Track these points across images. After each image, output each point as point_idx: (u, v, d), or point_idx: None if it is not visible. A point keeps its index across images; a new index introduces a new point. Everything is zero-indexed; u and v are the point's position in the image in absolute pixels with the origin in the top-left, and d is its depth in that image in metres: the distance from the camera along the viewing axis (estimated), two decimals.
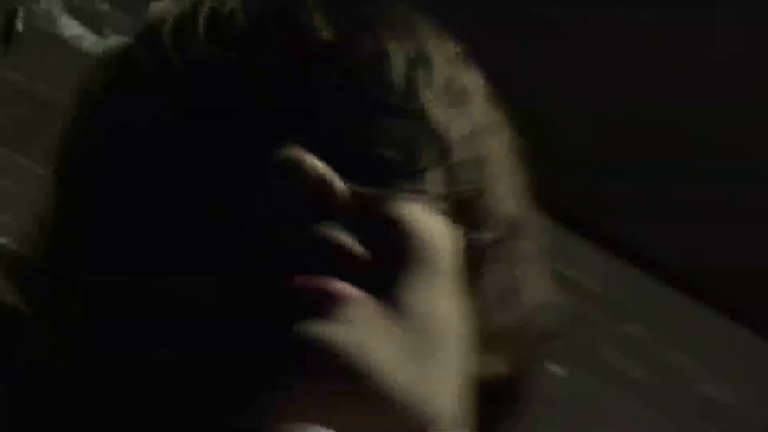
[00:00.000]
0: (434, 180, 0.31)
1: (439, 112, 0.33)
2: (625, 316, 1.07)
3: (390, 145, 0.30)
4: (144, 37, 0.35)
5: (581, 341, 0.92)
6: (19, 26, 0.83)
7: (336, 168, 0.27)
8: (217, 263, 0.26)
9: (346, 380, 0.24)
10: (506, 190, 0.34)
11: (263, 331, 0.24)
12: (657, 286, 1.18)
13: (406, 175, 0.30)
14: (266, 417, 0.24)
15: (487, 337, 0.31)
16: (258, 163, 0.27)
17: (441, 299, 0.28)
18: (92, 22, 0.89)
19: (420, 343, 0.27)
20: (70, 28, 0.88)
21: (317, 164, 0.27)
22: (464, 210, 0.32)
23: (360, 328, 0.25)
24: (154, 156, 0.30)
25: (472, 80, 0.36)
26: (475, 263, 0.31)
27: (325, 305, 0.24)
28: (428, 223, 0.29)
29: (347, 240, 0.27)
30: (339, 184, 0.27)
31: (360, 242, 0.27)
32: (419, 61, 0.33)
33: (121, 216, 0.30)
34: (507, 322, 0.33)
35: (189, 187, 0.28)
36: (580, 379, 0.90)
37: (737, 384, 1.12)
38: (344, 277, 0.25)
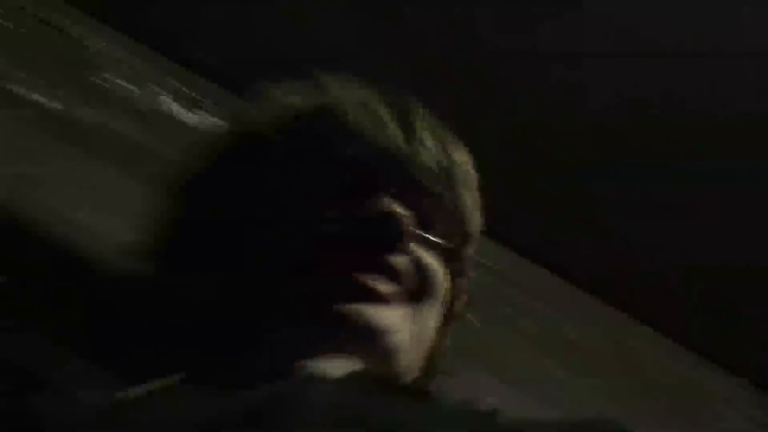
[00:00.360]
0: (454, 248, 0.53)
1: (465, 202, 0.55)
2: (524, 290, 1.35)
3: (439, 220, 0.51)
4: (273, 120, 0.53)
5: (492, 306, 1.18)
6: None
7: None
8: (325, 259, 0.43)
9: (378, 343, 0.42)
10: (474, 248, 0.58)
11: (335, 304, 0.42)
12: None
13: (447, 245, 0.51)
14: (319, 353, 0.41)
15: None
16: (363, 204, 0.45)
17: (433, 318, 0.50)
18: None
19: (418, 339, 0.48)
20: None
21: (409, 217, 0.45)
22: (458, 267, 0.55)
23: (391, 318, 0.44)
24: (291, 188, 0.49)
25: (467, 164, 0.57)
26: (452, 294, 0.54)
27: (375, 297, 0.43)
28: (443, 275, 0.50)
29: (405, 265, 0.46)
30: (414, 231, 0.46)
31: (410, 270, 0.46)
32: (449, 159, 0.53)
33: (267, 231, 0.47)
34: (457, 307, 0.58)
35: (321, 207, 0.46)
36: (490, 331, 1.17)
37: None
38: (393, 283, 0.44)
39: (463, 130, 0.60)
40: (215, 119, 1.07)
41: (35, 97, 0.92)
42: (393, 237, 0.45)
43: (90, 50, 1.04)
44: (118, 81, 1.04)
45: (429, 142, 0.53)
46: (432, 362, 0.54)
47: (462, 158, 0.56)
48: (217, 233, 0.51)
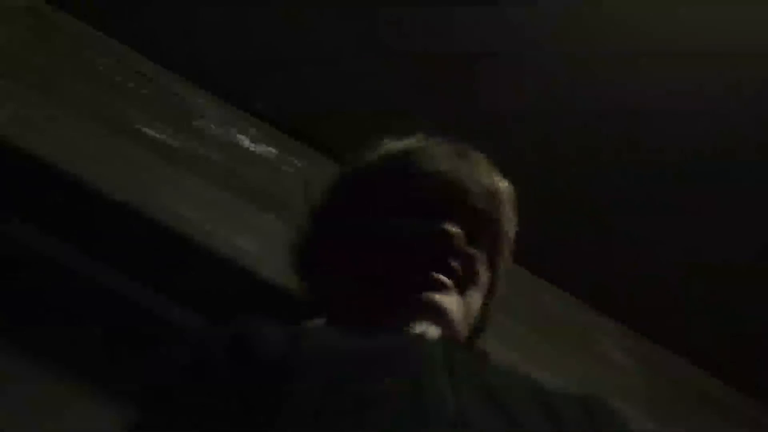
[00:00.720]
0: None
1: (505, 220, 0.78)
2: None
3: (484, 233, 0.74)
4: (371, 162, 0.79)
5: None
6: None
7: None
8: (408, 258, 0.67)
9: (444, 317, 0.64)
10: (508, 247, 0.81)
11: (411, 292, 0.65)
12: None
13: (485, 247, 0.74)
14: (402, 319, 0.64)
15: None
16: (435, 223, 0.68)
17: (476, 301, 0.72)
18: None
19: (466, 314, 0.69)
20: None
21: (460, 234, 0.69)
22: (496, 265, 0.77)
23: (451, 301, 0.66)
24: (385, 211, 0.72)
25: (507, 189, 0.79)
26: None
27: (439, 287, 0.65)
28: (484, 272, 0.73)
29: (458, 266, 0.68)
30: (462, 245, 0.69)
31: (460, 269, 0.69)
32: (494, 185, 0.76)
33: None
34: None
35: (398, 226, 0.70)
36: None
37: None
38: (450, 278, 0.67)
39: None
40: (274, 149, 1.45)
41: (152, 132, 1.27)
42: (449, 249, 0.70)
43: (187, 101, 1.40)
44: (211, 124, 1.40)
45: (481, 172, 0.78)
46: (476, 330, 0.77)
47: (503, 185, 0.80)
48: (339, 245, 0.78)
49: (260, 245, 1.22)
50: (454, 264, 0.71)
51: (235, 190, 1.33)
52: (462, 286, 0.72)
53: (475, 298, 0.75)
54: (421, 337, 0.66)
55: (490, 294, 0.80)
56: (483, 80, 1.58)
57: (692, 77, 1.54)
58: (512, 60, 1.54)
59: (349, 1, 1.54)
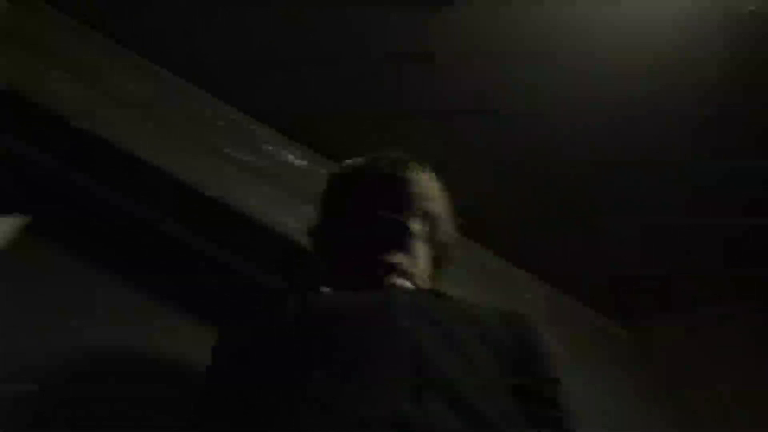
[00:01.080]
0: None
1: (442, 210, 1.27)
2: None
3: (432, 219, 1.23)
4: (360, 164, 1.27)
5: None
6: None
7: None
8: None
9: (414, 277, 1.14)
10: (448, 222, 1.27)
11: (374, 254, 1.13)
12: None
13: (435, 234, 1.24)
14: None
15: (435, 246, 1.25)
16: (400, 215, 1.17)
17: (425, 257, 1.21)
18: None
19: (418, 268, 1.17)
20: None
21: (415, 221, 1.19)
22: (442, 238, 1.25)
23: (403, 259, 1.13)
24: (364, 204, 1.19)
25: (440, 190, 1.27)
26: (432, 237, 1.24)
27: (394, 253, 1.12)
28: (425, 236, 1.21)
29: (419, 227, 1.18)
30: (417, 231, 1.19)
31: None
32: (434, 189, 1.25)
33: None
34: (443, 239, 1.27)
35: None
36: None
37: None
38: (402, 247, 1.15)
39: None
40: (306, 161, 1.92)
41: (230, 152, 1.77)
42: (406, 235, 1.13)
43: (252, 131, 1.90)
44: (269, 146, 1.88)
45: (422, 180, 1.22)
46: (433, 276, 1.23)
47: (432, 180, 1.26)
48: (330, 235, 1.26)
49: (300, 225, 1.55)
50: (404, 238, 1.14)
51: (281, 187, 1.75)
52: (410, 250, 1.14)
53: (422, 255, 1.19)
54: (393, 286, 1.08)
55: (437, 254, 1.25)
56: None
57: None
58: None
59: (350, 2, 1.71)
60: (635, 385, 2.09)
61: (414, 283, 1.13)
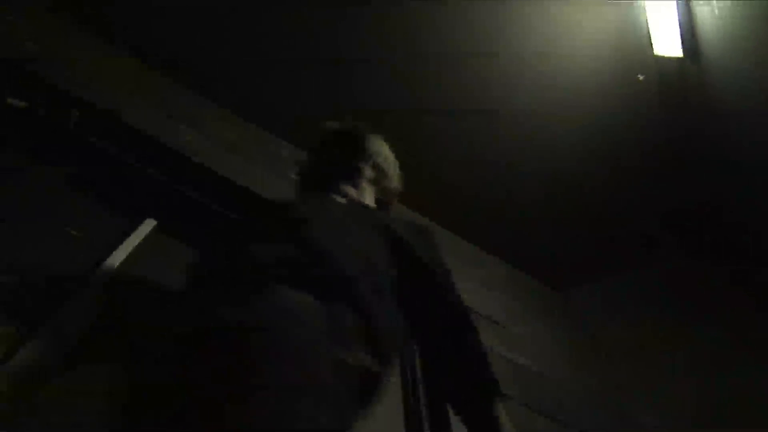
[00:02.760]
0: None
1: (390, 167, 1.78)
2: None
3: (371, 164, 1.72)
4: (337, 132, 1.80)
5: None
6: None
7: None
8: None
9: (346, 194, 1.58)
10: (393, 176, 1.78)
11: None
12: None
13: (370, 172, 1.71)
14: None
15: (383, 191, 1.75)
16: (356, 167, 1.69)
17: (368, 192, 1.68)
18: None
19: (360, 196, 1.63)
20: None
21: (369, 170, 1.70)
22: (387, 182, 1.74)
23: (351, 190, 1.61)
24: (326, 164, 1.69)
25: (390, 152, 1.80)
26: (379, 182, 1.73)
27: (353, 180, 1.65)
28: (371, 179, 1.70)
29: (369, 171, 1.69)
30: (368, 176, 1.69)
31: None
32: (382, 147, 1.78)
33: None
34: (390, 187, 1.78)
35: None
36: None
37: None
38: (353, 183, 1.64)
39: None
40: None
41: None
42: (356, 174, 1.61)
43: (277, 148, 2.50)
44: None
45: (376, 142, 1.73)
46: (378, 203, 1.67)
47: (387, 149, 1.75)
48: (307, 169, 1.74)
49: None
50: (355, 175, 1.52)
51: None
52: (358, 186, 1.51)
53: (368, 193, 1.57)
54: (338, 199, 1.44)
55: (381, 197, 1.61)
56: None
57: None
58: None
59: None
60: (561, 327, 2.84)
61: (353, 200, 1.50)
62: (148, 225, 2.02)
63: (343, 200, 1.47)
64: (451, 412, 1.48)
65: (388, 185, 1.69)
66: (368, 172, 1.64)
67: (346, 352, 0.93)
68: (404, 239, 1.28)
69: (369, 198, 1.63)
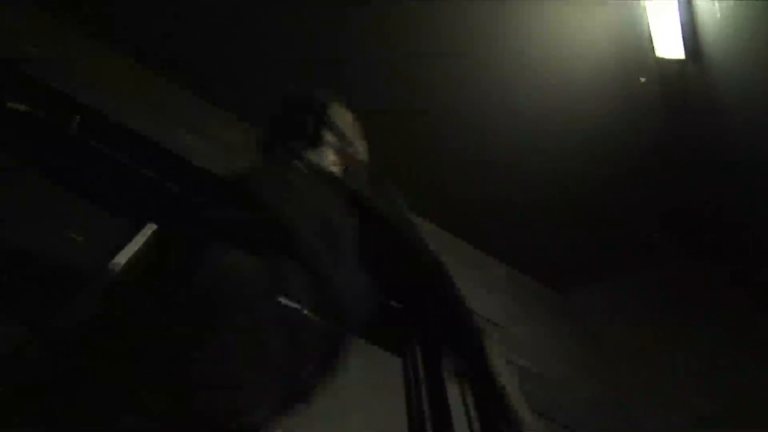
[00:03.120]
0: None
1: (345, 127, 1.73)
2: None
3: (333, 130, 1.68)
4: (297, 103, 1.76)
5: None
6: None
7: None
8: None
9: (318, 162, 1.58)
10: (360, 146, 1.75)
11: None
12: None
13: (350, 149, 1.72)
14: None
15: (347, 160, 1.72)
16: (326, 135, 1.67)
17: (334, 159, 1.65)
18: None
19: (331, 165, 1.62)
20: None
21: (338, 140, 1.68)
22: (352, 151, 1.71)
23: (325, 159, 1.61)
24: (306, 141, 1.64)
25: (354, 121, 1.78)
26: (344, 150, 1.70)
27: (315, 145, 1.63)
28: (340, 150, 1.68)
29: (339, 138, 1.68)
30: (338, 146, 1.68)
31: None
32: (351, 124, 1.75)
33: None
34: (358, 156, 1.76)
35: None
36: None
37: None
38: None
39: None
40: None
41: None
42: (317, 138, 1.59)
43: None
44: None
45: (340, 110, 1.69)
46: (346, 172, 1.64)
47: (352, 117, 1.72)
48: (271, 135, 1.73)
49: None
50: (316, 140, 1.51)
51: None
52: (319, 153, 1.50)
53: (329, 158, 1.55)
54: (296, 165, 1.43)
55: (343, 164, 1.59)
56: None
57: None
58: None
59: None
60: (561, 328, 2.87)
61: (328, 168, 1.51)
62: (149, 229, 1.99)
63: (301, 165, 1.47)
64: (453, 412, 1.49)
65: (350, 151, 1.68)
66: (329, 137, 1.63)
67: (293, 310, 0.93)
68: (364, 198, 1.32)
69: (331, 164, 1.62)
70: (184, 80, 2.48)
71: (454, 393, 1.56)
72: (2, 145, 1.78)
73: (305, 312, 0.95)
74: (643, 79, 2.32)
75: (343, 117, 1.71)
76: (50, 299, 1.51)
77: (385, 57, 2.48)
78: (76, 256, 1.69)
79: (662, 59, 2.28)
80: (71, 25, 2.34)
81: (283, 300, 0.93)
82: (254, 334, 0.86)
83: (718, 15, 2.07)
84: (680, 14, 2.21)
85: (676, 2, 2.20)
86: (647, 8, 2.26)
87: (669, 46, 2.24)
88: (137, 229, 1.90)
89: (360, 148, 1.72)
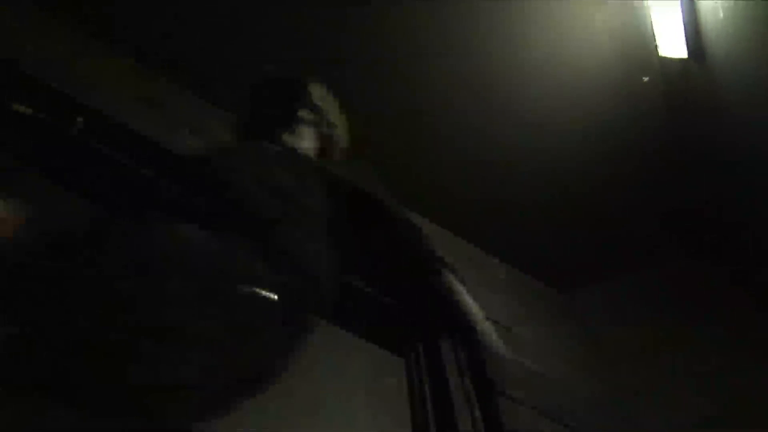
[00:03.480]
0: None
1: (329, 110, 1.70)
2: None
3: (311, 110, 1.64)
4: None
5: None
6: None
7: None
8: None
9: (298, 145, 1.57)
10: (340, 130, 1.72)
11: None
12: None
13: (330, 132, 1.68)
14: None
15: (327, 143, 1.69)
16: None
17: (312, 141, 1.63)
18: None
19: (311, 148, 1.61)
20: None
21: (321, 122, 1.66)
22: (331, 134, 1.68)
23: (294, 137, 1.57)
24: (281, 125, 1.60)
25: (335, 103, 1.73)
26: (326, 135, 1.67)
27: (290, 126, 1.60)
28: (319, 131, 1.66)
29: (316, 119, 1.64)
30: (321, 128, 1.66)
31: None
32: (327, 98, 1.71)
33: None
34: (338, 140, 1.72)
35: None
36: None
37: None
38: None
39: None
40: None
41: None
42: (293, 119, 1.57)
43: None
44: None
45: (320, 90, 1.65)
46: (322, 152, 1.63)
47: (332, 98, 1.68)
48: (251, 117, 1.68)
49: None
50: (291, 121, 1.48)
51: None
52: (295, 131, 1.46)
53: (307, 138, 1.53)
54: (269, 146, 1.39)
55: (322, 145, 1.57)
56: None
57: None
58: None
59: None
60: (563, 329, 2.86)
61: (307, 150, 1.50)
62: None
63: (275, 146, 1.44)
64: (457, 415, 1.47)
65: (329, 133, 1.65)
66: (307, 117, 1.60)
67: (251, 289, 0.91)
68: (341, 178, 1.32)
69: (308, 145, 1.59)
70: (184, 80, 2.46)
71: (458, 393, 1.56)
72: (2, 145, 1.75)
73: (260, 292, 0.93)
74: (645, 79, 2.31)
75: (323, 97, 1.67)
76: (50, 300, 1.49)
77: (385, 57, 2.46)
78: None
79: (665, 58, 2.27)
80: (71, 25, 2.32)
81: (234, 276, 0.91)
82: (199, 309, 0.84)
83: (721, 14, 2.07)
84: (683, 13, 2.20)
85: (679, 1, 2.19)
86: (650, 8, 2.26)
87: (671, 45, 2.23)
88: None
89: (340, 132, 1.69)
